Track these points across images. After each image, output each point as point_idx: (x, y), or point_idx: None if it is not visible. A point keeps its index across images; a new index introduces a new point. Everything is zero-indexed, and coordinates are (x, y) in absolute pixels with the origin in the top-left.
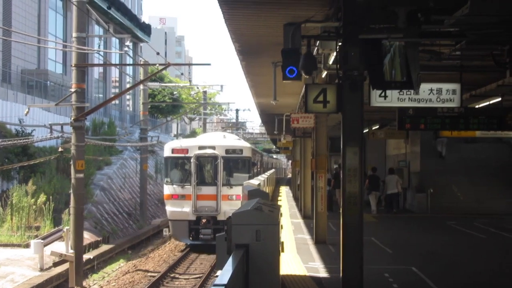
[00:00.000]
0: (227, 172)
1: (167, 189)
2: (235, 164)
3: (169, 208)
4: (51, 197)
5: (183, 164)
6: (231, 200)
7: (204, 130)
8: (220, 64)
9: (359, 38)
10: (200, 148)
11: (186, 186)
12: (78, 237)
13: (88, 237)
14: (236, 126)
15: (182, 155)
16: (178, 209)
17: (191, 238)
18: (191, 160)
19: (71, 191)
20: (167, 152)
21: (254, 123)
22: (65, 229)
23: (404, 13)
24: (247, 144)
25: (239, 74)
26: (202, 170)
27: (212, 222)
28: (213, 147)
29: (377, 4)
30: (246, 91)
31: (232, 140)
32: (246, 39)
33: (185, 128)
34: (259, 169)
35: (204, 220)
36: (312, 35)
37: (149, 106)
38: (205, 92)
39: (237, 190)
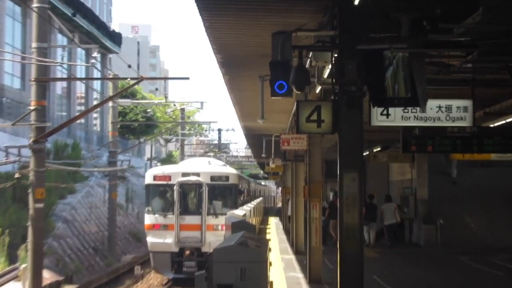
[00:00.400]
0: (212, 200)
1: (148, 219)
2: (221, 192)
3: (151, 239)
4: (6, 230)
5: (165, 192)
6: (216, 230)
7: (182, 153)
8: (200, 78)
9: (357, 49)
10: (184, 175)
11: (168, 216)
12: (36, 277)
13: (48, 276)
14: (219, 149)
15: (165, 182)
16: (160, 240)
17: (173, 271)
18: (174, 188)
19: (29, 223)
20: (148, 179)
21: (239, 145)
22: (21, 267)
23: (408, 21)
24: (233, 171)
25: (222, 89)
26: (186, 199)
27: (196, 254)
28: (198, 174)
29: (377, 10)
30: (230, 109)
31: (218, 167)
32: (230, 50)
33: (160, 150)
34: (246, 197)
35: (187, 252)
36: (304, 46)
37: (119, 126)
38: (183, 110)
39: (223, 220)
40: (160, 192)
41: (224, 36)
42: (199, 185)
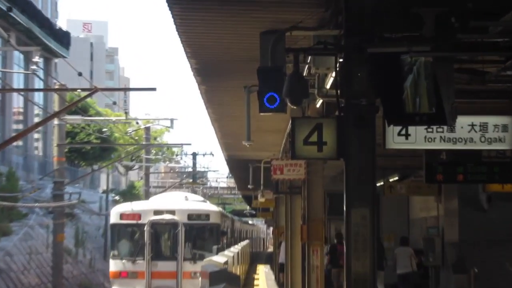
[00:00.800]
0: (190, 243)
1: (114, 265)
2: (200, 232)
3: None
4: None
5: (134, 233)
6: (194, 279)
7: (147, 184)
8: (171, 90)
9: (368, 52)
10: (156, 212)
11: (138, 261)
12: None
13: None
14: (193, 179)
15: (134, 221)
16: None
17: None
18: (145, 228)
19: None
20: (114, 218)
21: (219, 173)
22: None
23: (432, 17)
24: (214, 208)
25: (197, 103)
26: (159, 241)
27: None
28: (172, 212)
29: (394, 4)
30: (208, 128)
31: (196, 203)
32: (207, 54)
33: (119, 180)
34: (229, 239)
35: None
36: (302, 48)
37: (67, 150)
38: (148, 129)
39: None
40: (128, 233)
41: (200, 36)
42: (174, 224)
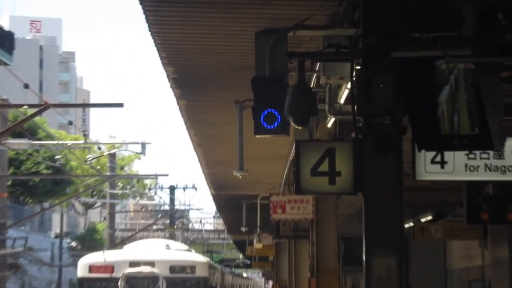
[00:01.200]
0: None
1: None
2: None
3: None
4: None
5: None
6: None
7: (112, 226)
8: (142, 106)
9: (392, 57)
10: (132, 264)
11: None
12: None
13: None
14: (171, 219)
15: (105, 275)
16: None
17: None
18: (119, 284)
19: None
20: (81, 271)
21: (204, 212)
22: None
23: (474, 13)
24: (201, 258)
25: (176, 123)
26: None
27: None
28: (152, 263)
29: None
30: (189, 155)
31: (179, 252)
32: (188, 60)
33: (77, 221)
34: None
35: None
36: (308, 52)
37: (10, 182)
38: (113, 156)
39: None
40: None
41: (178, 36)
42: (153, 279)
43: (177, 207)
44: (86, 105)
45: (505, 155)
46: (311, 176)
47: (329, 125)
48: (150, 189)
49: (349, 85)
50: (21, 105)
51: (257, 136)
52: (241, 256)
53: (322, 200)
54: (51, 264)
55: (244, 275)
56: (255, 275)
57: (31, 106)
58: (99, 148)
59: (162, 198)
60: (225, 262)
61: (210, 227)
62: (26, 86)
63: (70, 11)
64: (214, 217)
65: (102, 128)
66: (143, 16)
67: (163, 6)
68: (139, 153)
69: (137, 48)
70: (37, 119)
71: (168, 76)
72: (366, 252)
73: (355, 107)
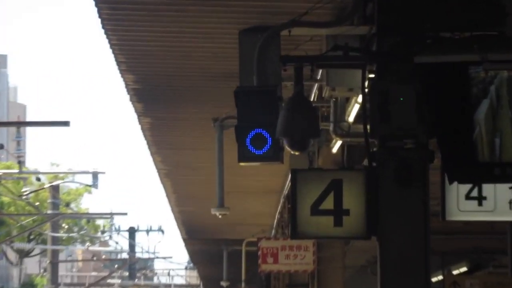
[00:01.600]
0: None
1: None
2: None
3: None
4: None
5: None
6: None
7: (54, 279)
8: (93, 125)
9: (415, 64)
10: None
11: None
12: None
13: None
14: (131, 271)
15: None
16: None
17: None
18: None
19: None
20: None
21: (172, 263)
22: None
23: None
24: None
25: (138, 147)
26: None
27: None
28: None
29: None
30: (155, 189)
31: None
32: (152, 66)
33: (9, 273)
34: None
35: None
36: (308, 57)
37: None
38: (56, 190)
39: None
40: None
41: (141, 36)
42: None
43: (138, 255)
44: (21, 124)
45: None
46: (311, 215)
47: (335, 150)
48: (103, 232)
49: (360, 99)
50: None
51: (242, 164)
52: None
53: (326, 247)
54: None
55: None
56: None
57: None
58: (38, 179)
59: (119, 243)
60: None
61: (181, 281)
62: None
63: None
64: (186, 268)
65: (42, 153)
66: (96, 10)
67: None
68: (90, 186)
69: (90, 49)
70: None
71: (127, 86)
72: None
73: (368, 127)
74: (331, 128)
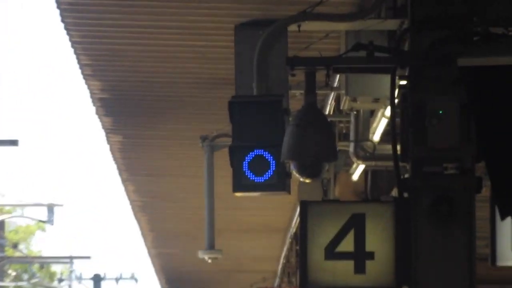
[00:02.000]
0: None
1: None
2: None
3: None
4: None
5: None
6: None
7: None
8: (50, 146)
9: (460, 67)
10: None
11: None
12: None
13: None
14: None
15: None
16: None
17: None
18: None
19: None
20: None
21: None
22: None
23: None
24: None
25: (105, 173)
26: None
27: None
28: None
29: None
30: (126, 225)
31: None
32: (124, 71)
33: None
34: None
35: None
36: (323, 58)
37: None
38: (0, 227)
39: None
40: None
41: (110, 33)
42: None
43: None
44: None
45: None
46: (325, 259)
47: (356, 177)
48: (61, 281)
49: (388, 112)
50: None
51: (238, 195)
52: None
53: None
54: None
55: None
56: None
57: None
58: None
59: None
60: None
61: None
62: None
63: None
64: None
65: None
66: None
67: None
68: (44, 222)
69: (44, 48)
70: None
71: (92, 95)
72: None
73: (399, 148)
74: (351, 149)
